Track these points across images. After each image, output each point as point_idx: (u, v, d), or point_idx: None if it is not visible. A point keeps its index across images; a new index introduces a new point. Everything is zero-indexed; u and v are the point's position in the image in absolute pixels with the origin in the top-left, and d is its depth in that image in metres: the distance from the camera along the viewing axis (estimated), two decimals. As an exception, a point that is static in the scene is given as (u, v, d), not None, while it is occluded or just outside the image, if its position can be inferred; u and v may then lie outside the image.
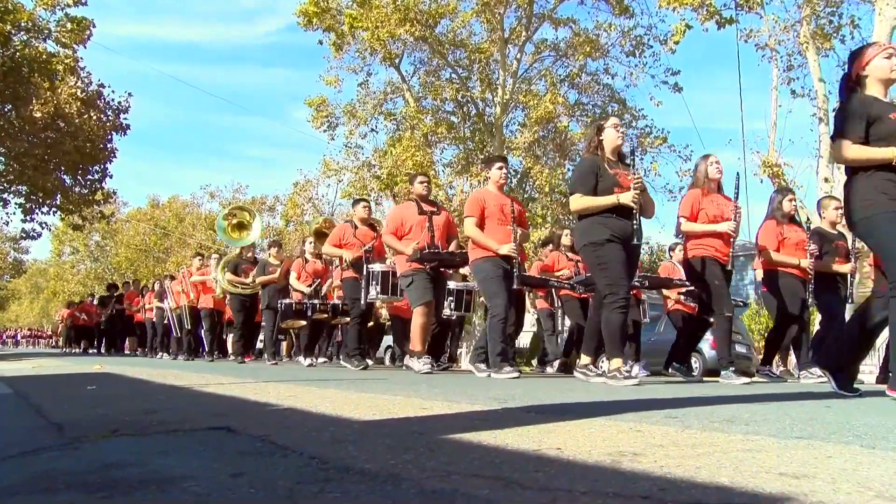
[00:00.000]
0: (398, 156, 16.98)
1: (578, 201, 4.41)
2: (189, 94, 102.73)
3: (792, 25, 13.50)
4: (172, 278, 12.42)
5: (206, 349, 10.54)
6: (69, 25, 14.64)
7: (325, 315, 8.43)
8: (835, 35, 13.48)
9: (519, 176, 18.91)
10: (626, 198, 4.29)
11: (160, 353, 12.36)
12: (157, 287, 12.91)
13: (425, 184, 6.33)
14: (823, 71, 13.26)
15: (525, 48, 18.27)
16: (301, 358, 8.74)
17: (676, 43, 14.68)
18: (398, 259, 6.05)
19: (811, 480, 1.17)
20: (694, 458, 1.38)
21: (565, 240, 7.73)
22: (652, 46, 17.38)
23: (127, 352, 16.16)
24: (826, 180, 12.34)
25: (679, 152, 18.05)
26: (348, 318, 7.25)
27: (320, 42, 18.17)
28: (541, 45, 18.49)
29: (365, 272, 6.48)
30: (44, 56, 14.29)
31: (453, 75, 18.59)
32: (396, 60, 18.28)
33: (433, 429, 1.93)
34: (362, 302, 6.55)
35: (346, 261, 6.87)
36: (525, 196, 18.06)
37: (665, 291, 7.70)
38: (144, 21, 75.18)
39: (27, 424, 2.24)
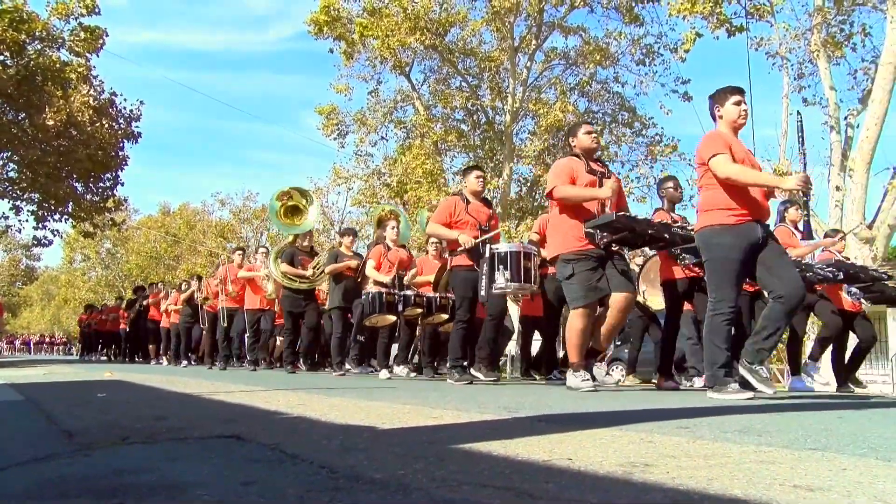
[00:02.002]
0: (408, 164, 17.05)
1: None
2: (198, 101, 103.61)
3: (803, 33, 13.47)
4: (199, 278, 12.07)
5: (248, 356, 9.57)
6: (82, 34, 14.82)
7: (420, 311, 6.60)
8: (846, 43, 13.44)
9: (529, 184, 18.91)
10: None
11: (183, 361, 11.97)
12: (183, 288, 12.34)
13: (593, 135, 4.69)
14: (834, 79, 13.20)
15: (535, 56, 18.34)
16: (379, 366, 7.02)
17: (687, 51, 14.70)
18: (561, 228, 4.50)
19: (826, 493, 1.16)
20: (706, 470, 1.36)
21: None
22: (662, 55, 17.46)
23: (152, 360, 14.40)
24: (837, 188, 12.28)
25: (689, 161, 18.06)
26: (444, 316, 6.18)
27: (331, 50, 18.33)
28: (551, 53, 18.55)
29: (488, 255, 5.06)
30: (57, 65, 14.49)
31: (463, 84, 18.66)
32: (406, 69, 18.40)
33: (443, 438, 1.92)
34: (483, 293, 5.12)
35: (461, 244, 5.37)
36: (535, 204, 18.06)
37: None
38: (154, 28, 75.80)
39: (38, 431, 2.25)
